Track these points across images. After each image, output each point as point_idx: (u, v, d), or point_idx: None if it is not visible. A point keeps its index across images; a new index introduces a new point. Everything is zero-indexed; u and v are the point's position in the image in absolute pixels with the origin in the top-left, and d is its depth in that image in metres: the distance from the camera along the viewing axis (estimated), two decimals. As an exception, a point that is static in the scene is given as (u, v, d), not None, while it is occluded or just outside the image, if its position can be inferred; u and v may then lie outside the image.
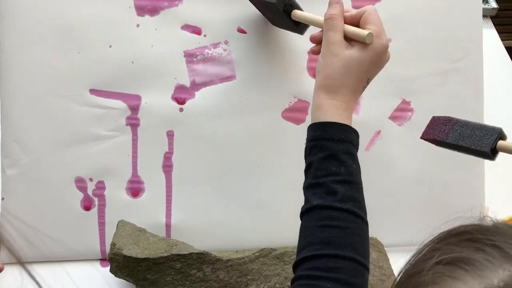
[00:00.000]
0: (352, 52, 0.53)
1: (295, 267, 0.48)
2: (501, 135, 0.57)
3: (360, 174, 0.52)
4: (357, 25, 0.54)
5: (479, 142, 0.57)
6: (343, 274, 0.46)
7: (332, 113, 0.52)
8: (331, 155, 0.50)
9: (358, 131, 0.68)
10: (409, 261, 0.37)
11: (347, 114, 0.53)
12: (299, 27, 0.60)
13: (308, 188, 0.51)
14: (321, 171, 0.50)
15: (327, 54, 0.53)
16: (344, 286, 0.45)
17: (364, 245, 0.50)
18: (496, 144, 0.56)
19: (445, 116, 0.62)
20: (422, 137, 0.63)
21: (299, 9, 0.59)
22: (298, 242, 0.50)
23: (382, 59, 0.54)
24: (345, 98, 0.53)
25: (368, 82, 0.55)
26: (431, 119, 0.63)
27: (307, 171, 0.52)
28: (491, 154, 0.57)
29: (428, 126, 0.63)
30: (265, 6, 0.62)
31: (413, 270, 0.35)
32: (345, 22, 0.54)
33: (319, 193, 0.49)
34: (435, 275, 0.32)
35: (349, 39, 0.53)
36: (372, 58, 0.53)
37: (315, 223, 0.49)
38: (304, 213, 0.50)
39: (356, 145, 0.53)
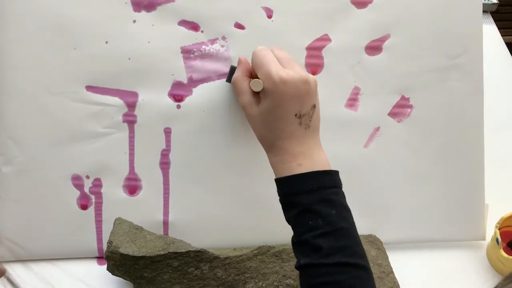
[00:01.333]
0: (261, 106, 0.52)
1: None
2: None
3: (346, 211, 0.50)
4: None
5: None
6: None
7: (284, 170, 0.51)
8: (305, 209, 0.48)
9: (357, 128, 0.69)
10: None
11: (298, 162, 0.51)
12: None
13: (294, 245, 0.50)
14: (300, 228, 0.49)
15: (247, 117, 0.55)
16: None
17: None
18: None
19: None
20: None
21: None
22: None
23: (289, 94, 0.50)
24: (286, 148, 0.51)
25: (302, 116, 0.52)
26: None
27: (289, 224, 0.51)
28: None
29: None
30: None
31: None
32: (252, 76, 0.55)
33: (304, 251, 0.48)
34: None
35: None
36: (275, 102, 0.51)
37: (308, 282, 0.47)
38: (297, 269, 0.49)
39: (331, 185, 0.50)
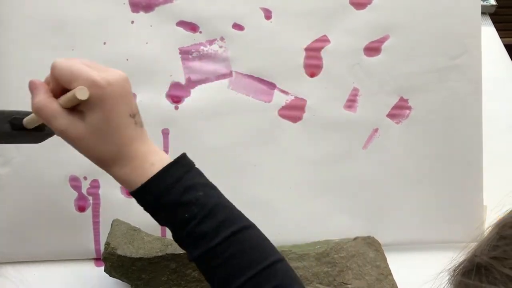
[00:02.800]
0: (89, 121, 0.45)
1: None
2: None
3: (209, 187, 0.50)
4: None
5: None
6: (272, 281, 0.45)
7: (139, 177, 0.47)
8: (175, 205, 0.47)
9: (355, 129, 0.69)
10: None
11: (150, 162, 0.48)
12: (44, 131, 0.52)
13: (178, 241, 0.49)
14: (178, 224, 0.47)
15: (72, 142, 0.47)
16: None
17: (259, 247, 0.49)
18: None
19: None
20: None
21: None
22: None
23: (118, 95, 0.46)
24: (133, 153, 0.47)
25: (135, 115, 0.47)
26: None
27: (165, 226, 0.49)
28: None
29: None
30: None
31: None
32: (60, 93, 0.45)
33: (191, 243, 0.47)
34: None
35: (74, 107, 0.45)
36: (107, 107, 0.45)
37: (206, 269, 0.47)
38: (192, 261, 0.48)
39: (186, 170, 0.48)
